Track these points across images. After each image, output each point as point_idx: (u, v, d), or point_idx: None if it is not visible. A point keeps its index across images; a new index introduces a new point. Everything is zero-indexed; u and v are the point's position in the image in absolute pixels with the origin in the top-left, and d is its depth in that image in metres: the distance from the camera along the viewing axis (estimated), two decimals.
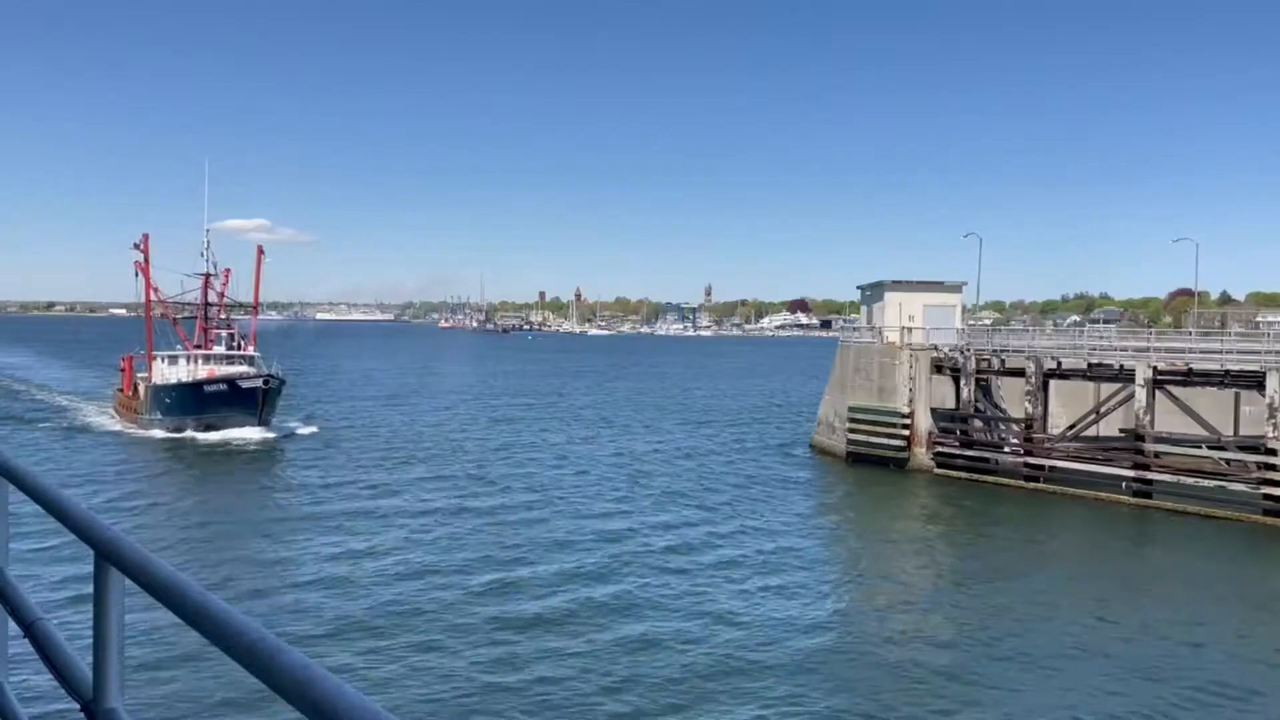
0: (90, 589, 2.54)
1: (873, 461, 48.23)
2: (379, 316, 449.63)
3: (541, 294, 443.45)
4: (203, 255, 62.77)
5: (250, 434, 53.22)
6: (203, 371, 57.45)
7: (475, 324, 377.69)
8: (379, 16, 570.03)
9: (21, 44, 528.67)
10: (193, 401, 54.80)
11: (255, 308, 64.84)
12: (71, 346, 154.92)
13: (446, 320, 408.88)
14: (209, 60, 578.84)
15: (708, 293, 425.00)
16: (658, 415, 74.22)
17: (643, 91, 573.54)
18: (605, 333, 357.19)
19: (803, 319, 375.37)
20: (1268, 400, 37.56)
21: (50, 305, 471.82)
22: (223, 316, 63.28)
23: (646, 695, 19.32)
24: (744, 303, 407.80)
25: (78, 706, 2.54)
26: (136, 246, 61.80)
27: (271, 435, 54.05)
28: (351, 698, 1.53)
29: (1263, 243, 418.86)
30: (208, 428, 53.98)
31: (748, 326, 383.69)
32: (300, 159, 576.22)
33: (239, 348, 60.38)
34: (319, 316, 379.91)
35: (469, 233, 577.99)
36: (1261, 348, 41.19)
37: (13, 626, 3.23)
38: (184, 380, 56.68)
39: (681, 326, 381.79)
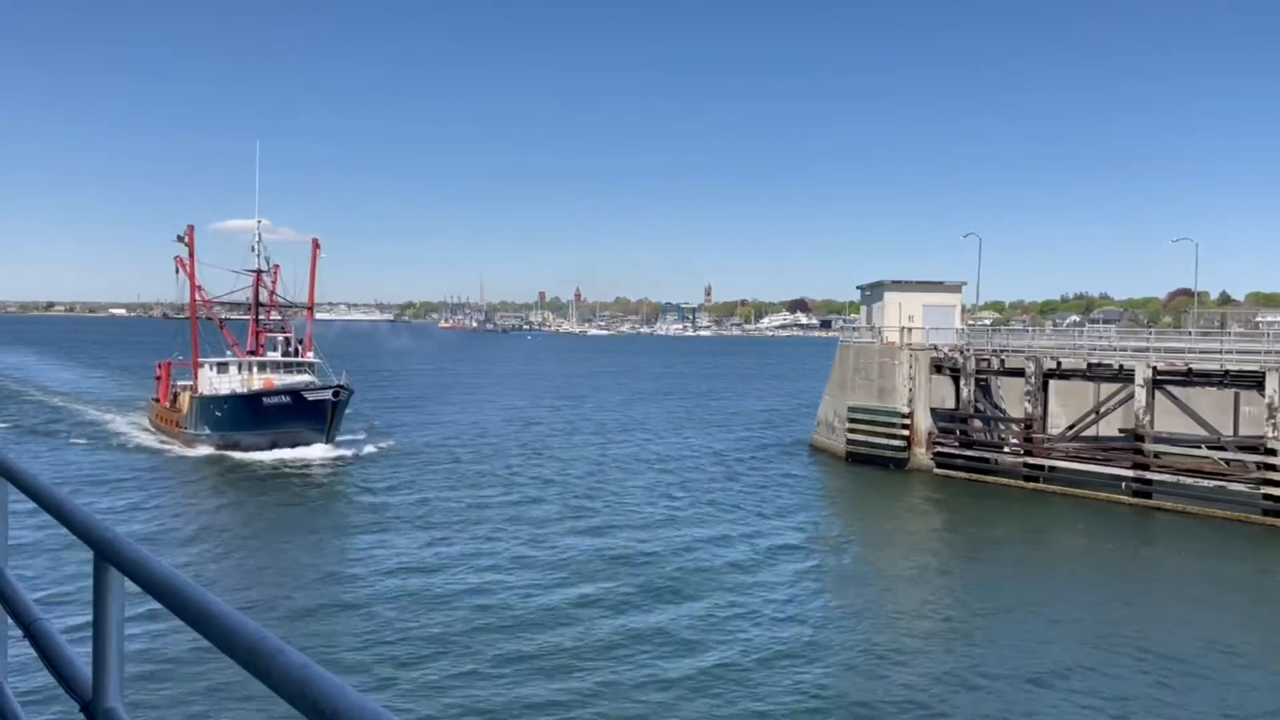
0: (90, 589, 2.54)
1: (872, 461, 48.21)
2: (378, 316, 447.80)
3: (541, 294, 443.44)
4: (253, 249, 56.39)
5: (315, 453, 47.28)
6: (258, 381, 51.20)
7: (475, 324, 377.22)
8: (379, 17, 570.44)
9: (20, 46, 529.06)
10: (249, 415, 48.39)
11: (310, 308, 57.94)
12: (72, 347, 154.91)
13: (446, 320, 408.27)
14: (209, 61, 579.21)
15: (708, 293, 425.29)
16: (676, 417, 74.26)
17: (644, 92, 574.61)
18: (604, 333, 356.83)
19: (802, 319, 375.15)
20: (1267, 400, 37.55)
21: (50, 305, 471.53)
22: (275, 317, 57.07)
23: (646, 688, 19.33)
24: (744, 303, 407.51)
25: (77, 707, 2.54)
26: (180, 239, 55.48)
27: (341, 453, 48.15)
28: (351, 698, 1.53)
29: (1263, 243, 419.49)
30: (269, 445, 47.79)
31: (747, 326, 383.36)
32: (300, 159, 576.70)
33: (296, 353, 54.20)
34: (318, 316, 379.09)
35: (469, 233, 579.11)
36: (1261, 348, 41.17)
37: (13, 626, 3.23)
38: (238, 391, 50.13)
39: (681, 326, 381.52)
